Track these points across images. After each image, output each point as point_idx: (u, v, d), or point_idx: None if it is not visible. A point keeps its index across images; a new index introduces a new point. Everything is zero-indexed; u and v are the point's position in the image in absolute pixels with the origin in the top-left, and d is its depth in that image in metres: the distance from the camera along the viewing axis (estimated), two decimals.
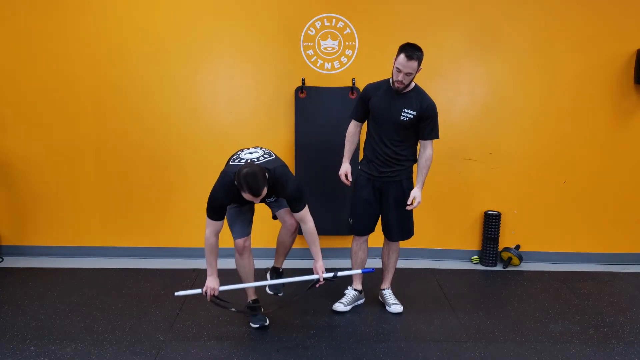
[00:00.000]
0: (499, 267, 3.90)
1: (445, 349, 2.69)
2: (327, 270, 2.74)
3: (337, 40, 3.69)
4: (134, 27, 3.65)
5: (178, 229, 3.95)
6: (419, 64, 2.70)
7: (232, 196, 2.53)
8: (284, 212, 2.82)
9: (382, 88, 2.89)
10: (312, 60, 3.71)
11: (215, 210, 2.56)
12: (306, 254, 2.79)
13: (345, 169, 3.05)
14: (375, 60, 3.72)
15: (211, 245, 2.62)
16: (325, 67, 3.73)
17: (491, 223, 3.85)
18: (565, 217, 3.95)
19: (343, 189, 3.81)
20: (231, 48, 3.71)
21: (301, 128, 3.74)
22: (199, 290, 2.71)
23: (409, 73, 2.69)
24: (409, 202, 2.90)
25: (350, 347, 2.69)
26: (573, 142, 3.84)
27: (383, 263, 3.17)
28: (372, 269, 2.89)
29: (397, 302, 3.10)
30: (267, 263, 3.77)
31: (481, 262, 3.95)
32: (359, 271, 2.93)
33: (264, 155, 2.64)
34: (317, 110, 3.71)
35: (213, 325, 2.87)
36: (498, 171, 3.87)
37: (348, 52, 3.71)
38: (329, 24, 3.67)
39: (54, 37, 3.64)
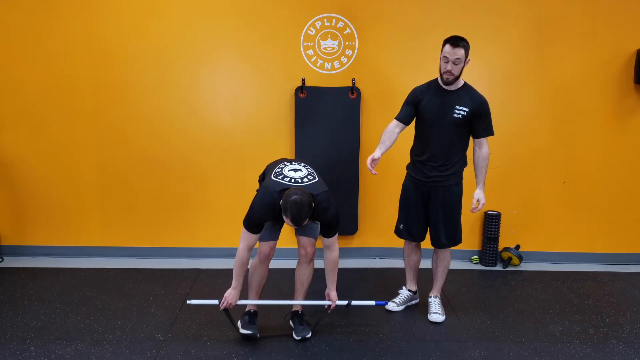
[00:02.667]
0: (499, 267, 3.90)
1: (445, 349, 2.69)
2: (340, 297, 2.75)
3: (337, 40, 3.69)
4: (134, 27, 3.64)
5: (178, 229, 3.95)
6: (466, 53, 2.68)
7: (271, 214, 2.49)
8: (305, 240, 2.74)
9: (431, 89, 2.85)
10: (312, 60, 3.71)
11: (253, 225, 2.52)
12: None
13: (373, 154, 2.79)
14: (375, 60, 3.73)
15: (242, 259, 2.58)
16: (325, 67, 3.73)
17: (491, 223, 3.85)
18: (565, 217, 3.95)
19: (344, 189, 3.83)
20: (231, 48, 3.71)
21: (301, 128, 3.74)
22: (215, 302, 2.70)
23: (457, 59, 2.65)
24: (473, 206, 2.85)
25: (350, 347, 2.69)
26: (573, 142, 3.84)
27: (432, 271, 3.12)
28: (386, 302, 2.83)
29: (438, 312, 3.01)
30: (270, 263, 3.77)
31: (481, 262, 3.95)
32: (372, 302, 2.85)
33: (308, 177, 2.57)
34: (317, 110, 3.71)
35: (213, 325, 2.87)
36: (498, 171, 3.87)
37: (348, 52, 3.71)
38: (329, 24, 3.67)
39: (55, 36, 3.64)
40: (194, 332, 2.82)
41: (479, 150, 2.85)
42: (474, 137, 2.86)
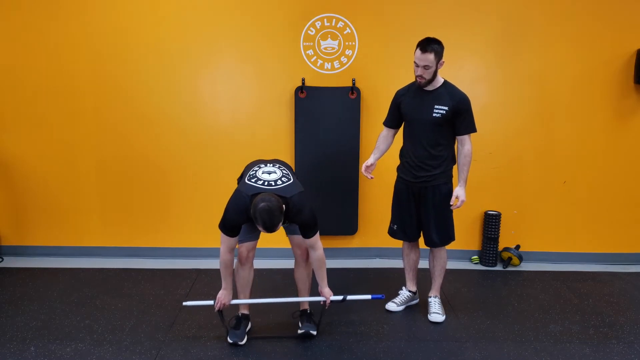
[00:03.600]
0: (499, 267, 3.90)
1: (445, 349, 2.69)
2: (336, 293, 2.74)
3: (337, 40, 3.69)
4: (134, 27, 3.65)
5: (178, 229, 3.95)
6: (437, 57, 2.66)
7: (244, 218, 2.47)
8: (298, 239, 2.71)
9: (412, 89, 2.86)
10: (312, 60, 3.71)
11: (228, 229, 2.51)
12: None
13: (366, 162, 2.98)
14: (375, 61, 3.73)
15: (225, 262, 2.58)
16: (325, 67, 3.73)
17: (491, 223, 3.85)
18: (565, 217, 3.95)
19: (343, 189, 3.83)
20: (231, 48, 3.71)
21: (301, 128, 3.74)
22: (210, 302, 2.70)
23: (427, 66, 2.65)
24: (451, 202, 2.85)
25: (350, 347, 2.69)
26: (573, 142, 3.84)
27: (430, 270, 3.11)
28: (382, 295, 2.85)
29: (438, 311, 3.00)
30: (264, 263, 3.79)
31: (481, 262, 3.95)
32: (368, 296, 2.83)
33: (282, 179, 2.53)
34: (317, 110, 3.71)
35: (213, 326, 2.87)
36: (498, 171, 3.87)
37: (348, 52, 3.71)
38: (329, 24, 3.67)
39: (55, 36, 3.64)
40: (194, 332, 2.82)
41: (462, 148, 2.84)
42: (456, 135, 2.85)
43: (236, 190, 2.54)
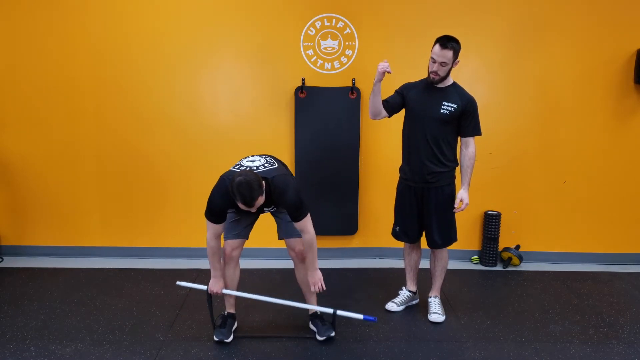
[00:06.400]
0: (499, 267, 3.90)
1: (445, 349, 2.69)
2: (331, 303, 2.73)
3: (337, 40, 3.69)
4: (134, 28, 3.65)
5: (178, 229, 3.95)
6: (455, 55, 2.68)
7: (228, 202, 2.47)
8: (292, 241, 2.71)
9: (421, 85, 2.87)
10: (312, 60, 3.71)
11: (213, 214, 2.53)
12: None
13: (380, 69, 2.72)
14: (375, 61, 3.69)
15: (212, 248, 2.60)
16: (325, 67, 3.73)
17: (491, 223, 3.85)
18: (565, 217, 3.95)
19: (343, 189, 3.83)
20: (231, 48, 3.71)
21: (301, 128, 3.74)
22: (203, 287, 2.71)
23: (444, 63, 2.66)
24: (456, 205, 2.84)
25: (350, 347, 2.69)
26: (573, 142, 3.84)
27: (430, 271, 3.11)
28: (374, 318, 2.67)
29: (438, 312, 3.00)
30: (263, 263, 3.79)
31: (481, 262, 3.95)
32: (360, 316, 2.68)
33: (265, 165, 2.56)
34: (317, 110, 3.71)
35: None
36: (498, 171, 3.87)
37: (348, 52, 3.71)
38: (329, 24, 3.67)
39: (55, 37, 3.64)
40: (194, 332, 2.82)
41: (466, 149, 2.84)
42: (461, 136, 2.85)
43: (220, 177, 2.57)
